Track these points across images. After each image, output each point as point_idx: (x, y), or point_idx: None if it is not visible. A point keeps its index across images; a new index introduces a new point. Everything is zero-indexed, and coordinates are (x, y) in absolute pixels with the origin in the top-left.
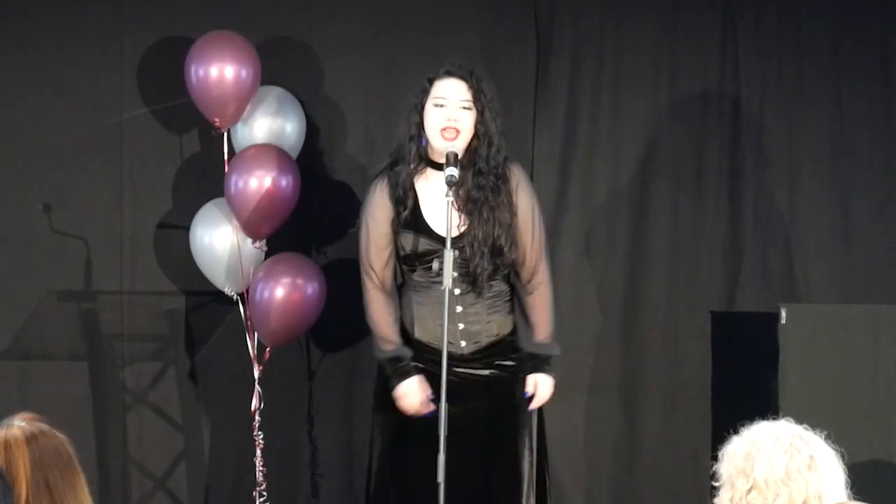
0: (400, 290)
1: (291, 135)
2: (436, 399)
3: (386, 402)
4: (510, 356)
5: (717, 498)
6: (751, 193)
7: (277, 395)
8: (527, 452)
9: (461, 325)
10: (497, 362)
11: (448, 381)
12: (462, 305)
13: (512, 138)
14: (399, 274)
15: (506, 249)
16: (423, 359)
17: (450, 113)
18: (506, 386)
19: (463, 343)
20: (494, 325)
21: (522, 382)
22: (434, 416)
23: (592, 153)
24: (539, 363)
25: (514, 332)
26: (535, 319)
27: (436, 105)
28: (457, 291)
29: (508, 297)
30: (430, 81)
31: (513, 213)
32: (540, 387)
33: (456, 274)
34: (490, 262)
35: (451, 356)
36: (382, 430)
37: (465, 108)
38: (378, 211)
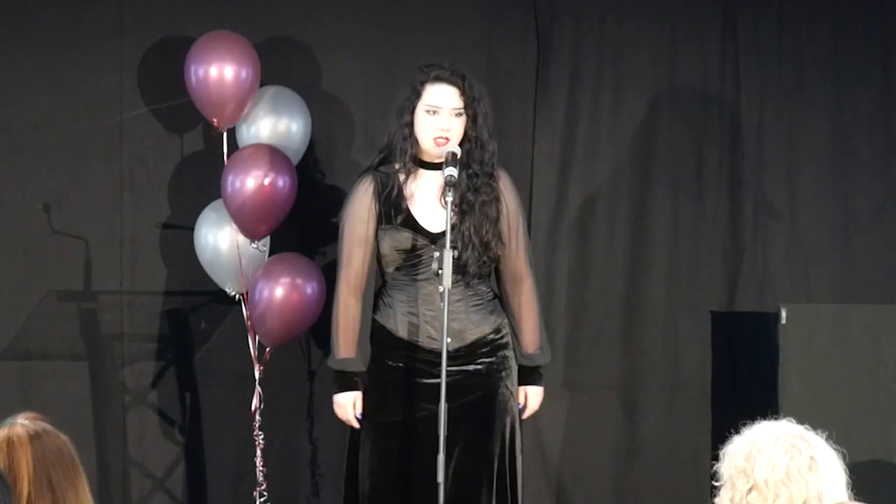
0: (379, 292)
1: (297, 135)
2: (363, 417)
3: (369, 405)
4: (492, 354)
5: (718, 497)
6: (751, 193)
7: (278, 395)
8: (498, 450)
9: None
10: (479, 360)
11: (431, 380)
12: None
13: (512, 138)
14: (380, 276)
15: (493, 244)
16: (408, 357)
17: (442, 122)
18: (484, 382)
19: (448, 339)
20: (477, 322)
21: (515, 393)
22: (420, 418)
23: (592, 153)
24: (528, 376)
25: (497, 331)
26: (521, 327)
27: (427, 112)
28: (441, 287)
29: (490, 299)
30: (422, 84)
31: (499, 210)
32: (530, 398)
33: (441, 271)
34: (479, 254)
35: (435, 353)
36: (368, 433)
37: (457, 115)
38: (361, 209)
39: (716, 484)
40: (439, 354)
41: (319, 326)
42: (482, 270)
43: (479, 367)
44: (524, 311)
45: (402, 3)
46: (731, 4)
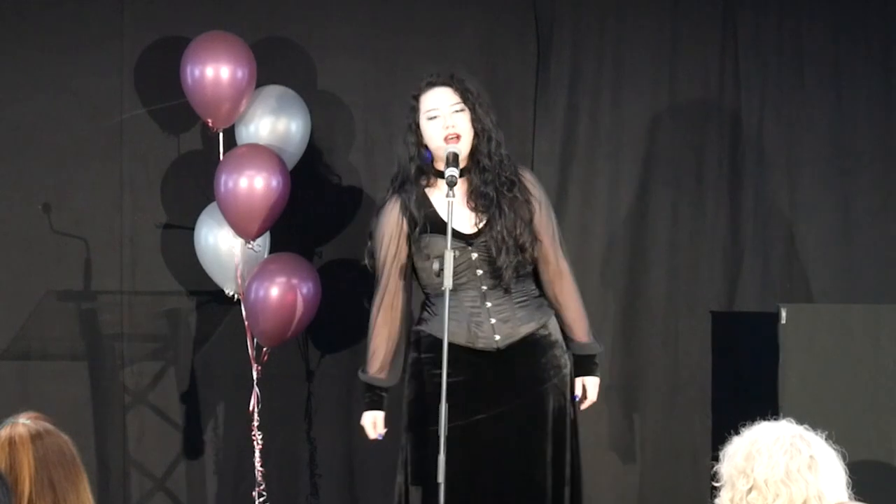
0: (422, 304)
1: (296, 135)
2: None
3: (420, 415)
4: (543, 354)
5: (718, 498)
6: (751, 193)
7: (276, 395)
8: (569, 456)
9: (493, 320)
10: (529, 360)
11: (483, 383)
12: (491, 301)
13: (512, 138)
14: (420, 289)
15: (528, 245)
16: (459, 361)
17: (445, 121)
18: (534, 383)
19: (497, 337)
20: (524, 319)
21: (571, 386)
22: (478, 420)
23: (592, 153)
24: (585, 365)
25: (544, 327)
26: (569, 319)
27: (430, 118)
28: (484, 287)
29: (537, 295)
30: (416, 98)
31: (531, 211)
32: (588, 389)
33: (481, 272)
34: (515, 257)
35: (485, 353)
36: (416, 445)
37: (457, 111)
38: (391, 227)
39: (716, 484)
40: (490, 354)
41: (317, 327)
42: (519, 272)
43: (530, 367)
44: (570, 302)
45: (402, 3)
46: (731, 4)
